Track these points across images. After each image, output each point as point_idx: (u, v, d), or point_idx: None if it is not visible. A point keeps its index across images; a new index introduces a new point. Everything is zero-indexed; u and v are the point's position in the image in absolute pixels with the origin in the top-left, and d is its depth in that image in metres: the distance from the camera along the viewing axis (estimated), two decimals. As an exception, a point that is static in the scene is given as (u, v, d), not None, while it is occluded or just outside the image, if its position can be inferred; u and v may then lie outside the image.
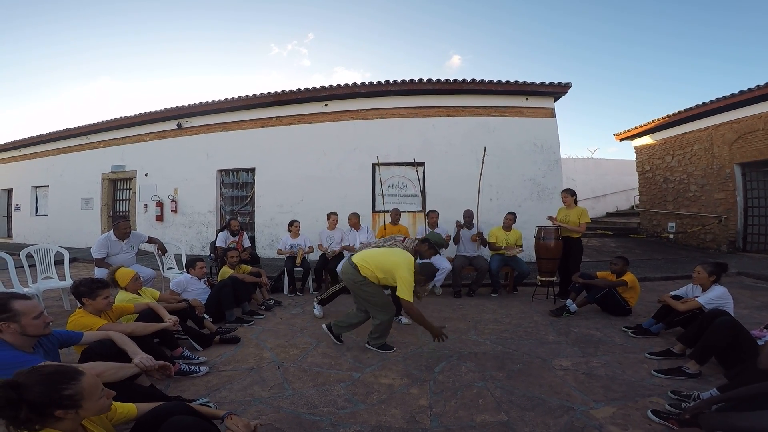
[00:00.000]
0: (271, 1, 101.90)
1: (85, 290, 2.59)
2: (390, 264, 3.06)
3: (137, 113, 9.85)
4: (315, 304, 4.39)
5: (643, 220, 11.70)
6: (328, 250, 5.71)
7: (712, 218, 8.95)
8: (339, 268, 5.35)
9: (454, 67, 79.68)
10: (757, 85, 7.48)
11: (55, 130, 11.35)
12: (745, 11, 63.36)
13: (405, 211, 7.49)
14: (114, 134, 10.52)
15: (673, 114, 9.59)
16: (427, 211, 5.85)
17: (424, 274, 3.19)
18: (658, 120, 10.14)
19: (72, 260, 7.07)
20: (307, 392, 2.56)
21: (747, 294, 5.12)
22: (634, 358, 3.06)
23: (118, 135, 10.46)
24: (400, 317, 4.04)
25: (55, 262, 4.89)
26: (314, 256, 6.01)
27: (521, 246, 5.46)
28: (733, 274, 6.23)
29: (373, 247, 3.60)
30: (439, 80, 7.79)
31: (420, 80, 7.81)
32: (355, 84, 8.10)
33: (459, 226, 5.59)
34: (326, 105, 8.42)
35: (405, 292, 2.89)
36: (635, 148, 11.84)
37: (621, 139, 11.99)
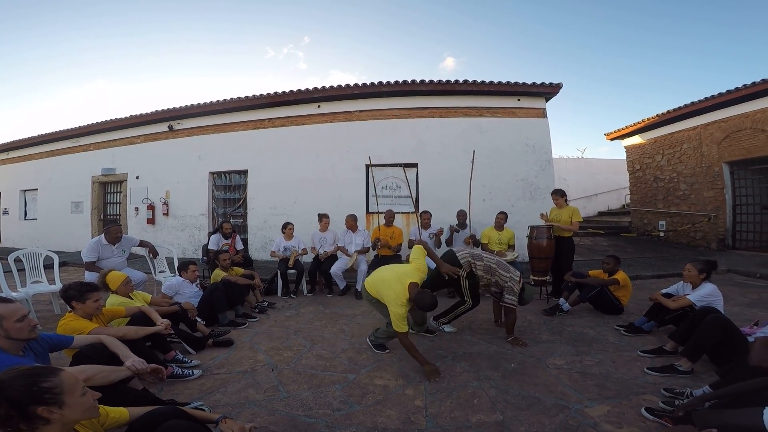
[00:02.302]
0: (266, 4, 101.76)
1: (75, 294, 2.55)
2: (385, 295, 2.93)
3: (128, 115, 9.73)
4: (443, 325, 3.82)
5: (634, 219, 11.83)
6: (321, 252, 5.70)
7: (701, 216, 9.08)
8: (333, 270, 5.38)
9: (448, 70, 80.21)
10: (744, 85, 7.61)
11: (44, 133, 11.18)
12: (735, 8, 64.45)
13: (399, 212, 7.50)
14: (104, 137, 10.38)
15: (662, 113, 9.72)
16: (419, 212, 5.86)
17: (418, 306, 2.80)
18: (648, 119, 10.26)
19: (62, 264, 6.97)
20: (302, 394, 2.55)
21: (737, 291, 5.18)
22: (627, 356, 3.08)
23: (108, 137, 10.32)
24: (443, 326, 3.77)
25: (45, 267, 4.81)
26: (308, 258, 5.99)
27: (513, 246, 5.47)
28: (722, 271, 6.31)
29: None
30: (431, 81, 7.80)
31: (413, 81, 7.81)
32: (348, 85, 8.08)
33: (453, 230, 5.69)
34: (319, 107, 8.39)
35: (397, 325, 2.82)
36: (626, 147, 11.97)
37: (611, 139, 12.12)
